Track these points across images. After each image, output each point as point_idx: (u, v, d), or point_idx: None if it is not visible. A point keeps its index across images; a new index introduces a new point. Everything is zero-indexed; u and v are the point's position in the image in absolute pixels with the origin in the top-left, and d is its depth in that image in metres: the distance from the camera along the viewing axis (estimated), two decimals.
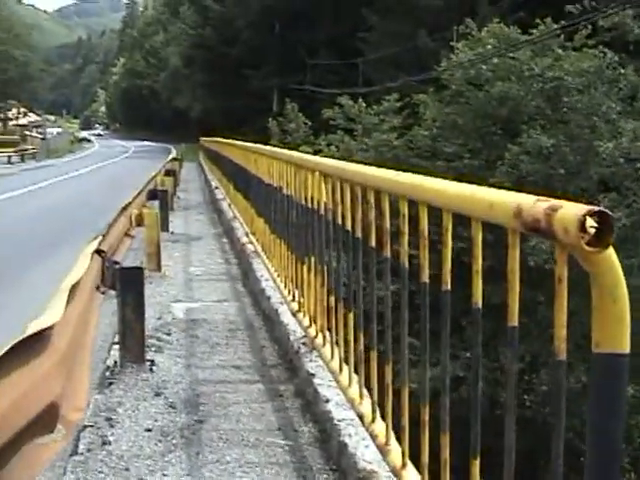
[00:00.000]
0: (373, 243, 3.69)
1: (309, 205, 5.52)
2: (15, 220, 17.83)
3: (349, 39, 38.38)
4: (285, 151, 7.47)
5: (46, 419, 2.94)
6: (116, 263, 5.78)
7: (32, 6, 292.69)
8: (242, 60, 49.77)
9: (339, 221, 4.46)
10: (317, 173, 5.19)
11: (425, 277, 3.03)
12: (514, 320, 2.30)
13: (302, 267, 5.89)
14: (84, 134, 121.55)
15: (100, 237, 5.60)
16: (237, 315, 7.91)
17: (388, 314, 3.47)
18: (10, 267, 11.22)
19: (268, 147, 8.86)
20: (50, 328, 2.91)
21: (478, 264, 2.50)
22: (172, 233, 13.59)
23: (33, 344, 2.76)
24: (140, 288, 5.77)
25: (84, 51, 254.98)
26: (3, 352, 2.40)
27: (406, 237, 3.19)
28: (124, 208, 8.50)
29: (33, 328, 2.78)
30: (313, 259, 5.50)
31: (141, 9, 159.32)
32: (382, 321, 3.53)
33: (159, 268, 9.69)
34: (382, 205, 3.46)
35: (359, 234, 4.00)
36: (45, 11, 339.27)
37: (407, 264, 3.21)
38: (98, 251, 5.34)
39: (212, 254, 11.80)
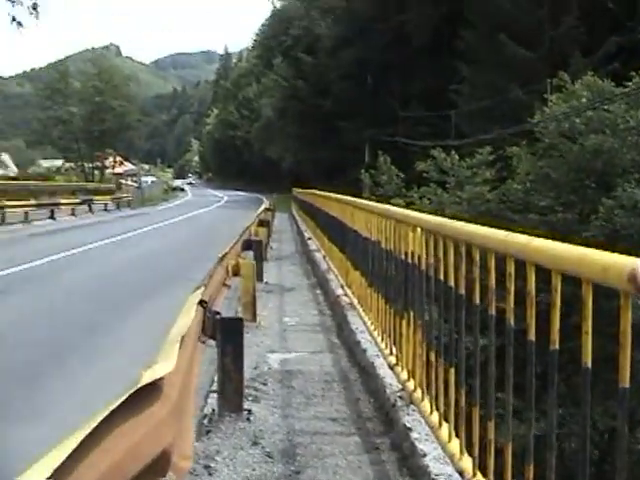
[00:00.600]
0: (477, 300, 3.72)
1: (409, 260, 5.56)
2: (112, 266, 18.23)
3: (441, 91, 38.44)
4: (385, 206, 7.53)
5: (158, 466, 3.02)
6: (217, 313, 5.90)
7: (130, 58, 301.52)
8: (334, 112, 50.25)
9: (441, 277, 4.50)
10: (419, 229, 5.24)
11: (532, 335, 3.05)
12: (625, 381, 2.31)
13: (400, 321, 5.92)
14: (178, 183, 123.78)
15: (202, 287, 5.72)
16: (332, 367, 7.94)
17: (492, 371, 3.49)
18: (109, 313, 11.47)
19: (366, 201, 8.94)
20: (163, 378, 3.00)
21: (588, 325, 2.52)
22: (266, 283, 13.73)
23: (147, 394, 2.85)
24: (240, 338, 5.87)
25: (179, 102, 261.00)
26: (120, 402, 2.49)
27: (512, 296, 3.22)
28: (221, 258, 8.64)
29: (147, 378, 2.87)
30: (412, 313, 5.53)
31: (235, 61, 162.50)
32: (485, 377, 3.54)
33: (254, 318, 9.81)
34: (488, 263, 3.49)
35: (462, 291, 4.03)
36: (142, 63, 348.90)
37: (513, 322, 3.23)
38: (200, 301, 5.46)
39: (306, 305, 11.88)
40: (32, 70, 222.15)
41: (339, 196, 12.44)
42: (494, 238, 3.43)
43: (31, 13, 40.79)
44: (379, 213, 7.29)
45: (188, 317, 4.41)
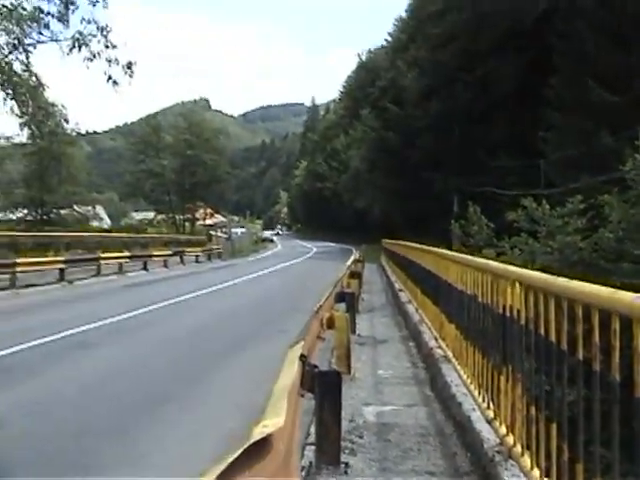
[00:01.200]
0: (580, 356, 3.72)
1: (507, 314, 5.56)
2: (205, 317, 18.49)
3: (528, 139, 38.19)
4: (482, 260, 7.52)
5: None
6: (315, 367, 5.97)
7: (220, 111, 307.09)
8: (421, 162, 50.31)
9: (541, 332, 4.50)
10: (518, 284, 5.24)
11: (639, 393, 3.04)
12: None
13: (498, 375, 5.91)
14: (267, 234, 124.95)
15: (302, 341, 5.81)
16: (427, 420, 7.93)
17: (596, 426, 3.47)
18: (201, 364, 11.64)
19: (462, 255, 8.94)
20: (273, 433, 3.08)
21: None
22: (359, 335, 13.78)
23: (259, 449, 2.93)
24: (338, 392, 5.93)
25: (267, 154, 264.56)
26: (233, 458, 2.57)
27: (617, 352, 3.22)
28: (317, 311, 8.74)
29: (259, 433, 2.95)
30: (510, 367, 5.51)
31: (322, 113, 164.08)
32: (588, 432, 3.53)
33: (349, 370, 9.86)
34: (592, 320, 3.49)
35: (564, 346, 4.03)
36: (231, 116, 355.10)
37: (618, 378, 3.23)
38: (300, 355, 5.54)
39: (399, 357, 11.87)
40: (124, 125, 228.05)
41: (432, 249, 12.45)
42: (599, 296, 3.44)
43: (126, 72, 42.15)
44: (476, 267, 7.29)
45: (291, 372, 4.49)
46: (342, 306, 12.81)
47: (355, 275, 18.08)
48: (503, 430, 5.64)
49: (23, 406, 8.41)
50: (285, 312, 19.72)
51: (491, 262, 6.90)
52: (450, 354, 9.09)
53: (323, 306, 9.51)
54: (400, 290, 20.52)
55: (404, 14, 73.48)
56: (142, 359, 12.14)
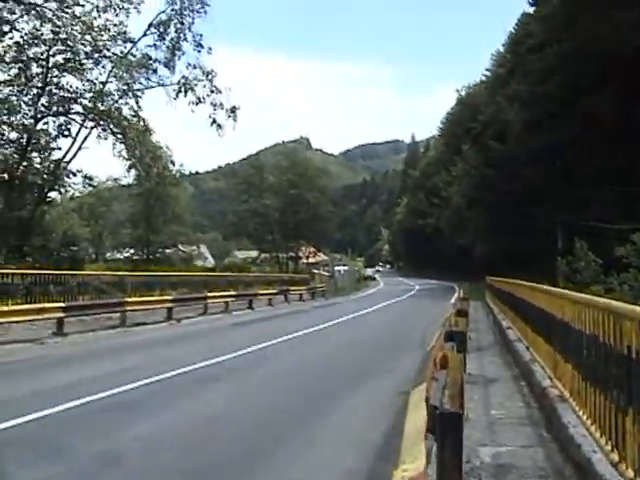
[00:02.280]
0: None
1: (632, 355, 5.48)
2: (312, 356, 18.63)
3: (635, 171, 37.45)
4: (602, 299, 7.41)
5: None
6: (435, 408, 5.98)
7: (320, 150, 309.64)
8: (524, 198, 49.73)
9: None
10: None
11: None
12: None
13: (623, 417, 5.81)
14: (369, 272, 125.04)
15: (424, 383, 5.85)
16: (545, 461, 7.83)
17: None
18: (312, 401, 11.73)
19: (580, 294, 8.82)
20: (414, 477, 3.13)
21: None
22: (469, 374, 13.68)
23: None
24: (459, 433, 5.90)
25: (368, 192, 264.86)
26: None
27: None
28: (430, 351, 8.74)
29: (399, 478, 3.00)
30: (637, 409, 5.42)
31: (422, 150, 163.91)
32: None
33: (462, 410, 9.79)
34: None
35: None
36: (332, 154, 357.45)
37: None
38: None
39: (511, 397, 11.74)
40: (226, 165, 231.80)
41: (544, 287, 12.32)
42: None
43: (230, 116, 43.10)
44: (596, 306, 7.18)
45: (420, 414, 4.54)
46: (453, 345, 12.74)
47: (462, 313, 17.93)
48: (630, 474, 5.54)
49: (142, 442, 8.61)
50: (391, 351, 19.74)
51: (613, 302, 6.79)
52: (566, 394, 8.95)
53: (435, 346, 9.51)
54: (508, 328, 20.27)
55: (501, 48, 73.36)
56: (256, 396, 12.30)
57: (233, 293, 37.60)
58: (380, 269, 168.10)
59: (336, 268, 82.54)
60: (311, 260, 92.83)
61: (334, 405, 11.49)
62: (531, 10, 58.55)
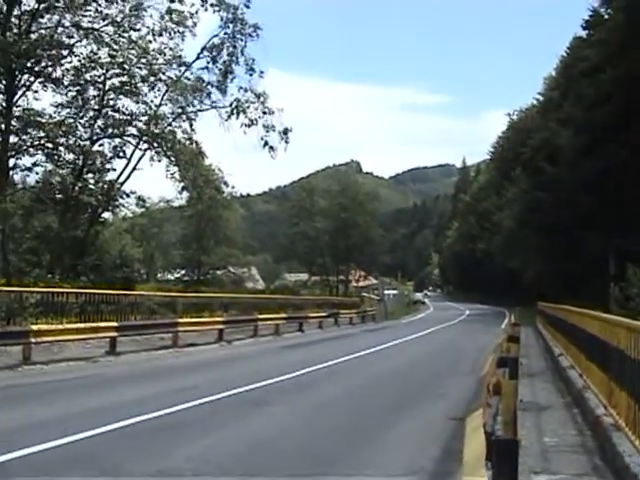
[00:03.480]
0: None
1: None
2: (361, 379, 18.65)
3: None
4: None
5: None
6: (491, 434, 6.00)
7: (371, 174, 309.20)
8: (576, 223, 49.30)
9: None
10: None
11: None
12: None
13: None
14: (418, 296, 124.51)
15: (480, 409, 5.87)
16: None
17: None
18: (363, 425, 11.72)
19: (635, 322, 8.73)
20: None
21: None
22: (521, 401, 13.57)
23: None
24: (514, 459, 5.91)
25: (418, 216, 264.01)
26: None
27: None
28: (483, 377, 8.74)
29: None
30: None
31: (473, 174, 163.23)
32: None
33: (515, 437, 9.74)
34: None
35: None
36: (382, 178, 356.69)
37: None
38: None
39: (564, 424, 11.62)
40: (277, 187, 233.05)
41: (599, 314, 12.21)
42: None
43: (282, 138, 43.40)
44: None
45: (479, 441, 4.58)
46: (505, 371, 12.69)
47: (514, 339, 17.85)
48: None
49: (195, 463, 8.66)
50: (443, 375, 19.69)
51: None
52: (622, 423, 8.86)
53: (488, 372, 9.49)
54: (560, 355, 20.10)
55: (554, 72, 73.05)
56: (307, 419, 12.33)
57: (284, 315, 37.72)
58: (429, 293, 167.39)
59: (386, 292, 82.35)
60: (361, 284, 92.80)
61: (384, 429, 11.47)
62: (584, 34, 58.37)
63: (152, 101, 40.88)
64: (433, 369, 21.74)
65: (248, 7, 42.53)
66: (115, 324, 23.15)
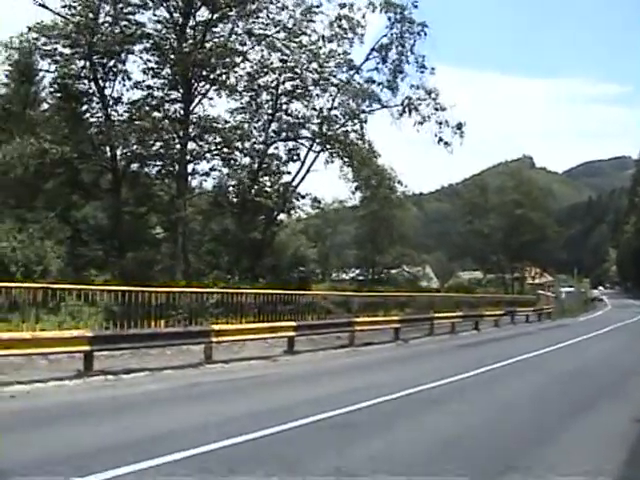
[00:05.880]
0: None
1: None
2: (542, 378, 18.18)
3: None
4: None
5: None
6: None
7: (544, 169, 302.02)
8: None
9: None
10: None
11: None
12: None
13: None
14: (595, 293, 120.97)
15: None
16: None
17: None
18: (548, 423, 11.40)
19: None
20: None
21: None
22: None
23: None
24: None
25: (593, 211, 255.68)
26: None
27: None
28: None
29: None
30: None
31: None
32: None
33: None
34: None
35: None
36: (556, 173, 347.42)
37: None
38: None
39: None
40: (449, 185, 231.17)
41: None
42: None
43: (455, 133, 43.07)
44: None
45: None
46: None
47: None
48: None
49: (375, 461, 8.58)
50: (626, 375, 18.98)
51: None
52: None
53: None
54: None
55: None
56: (489, 418, 12.16)
57: (459, 314, 37.27)
58: (605, 290, 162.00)
59: (561, 289, 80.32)
60: (536, 281, 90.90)
61: (566, 429, 11.09)
62: None
63: (323, 105, 41.55)
64: (615, 369, 20.91)
65: (416, 7, 42.53)
66: (294, 324, 23.45)
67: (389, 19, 42.41)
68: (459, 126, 43.05)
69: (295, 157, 42.11)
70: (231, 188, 42.13)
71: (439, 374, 17.14)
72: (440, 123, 42.76)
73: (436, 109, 42.60)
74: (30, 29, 38.16)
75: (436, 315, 33.77)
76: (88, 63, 38.90)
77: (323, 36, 40.74)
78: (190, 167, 40.19)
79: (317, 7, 40.28)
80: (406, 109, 42.61)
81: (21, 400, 12.75)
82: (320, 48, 40.65)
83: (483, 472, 8.26)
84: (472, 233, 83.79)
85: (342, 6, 41.08)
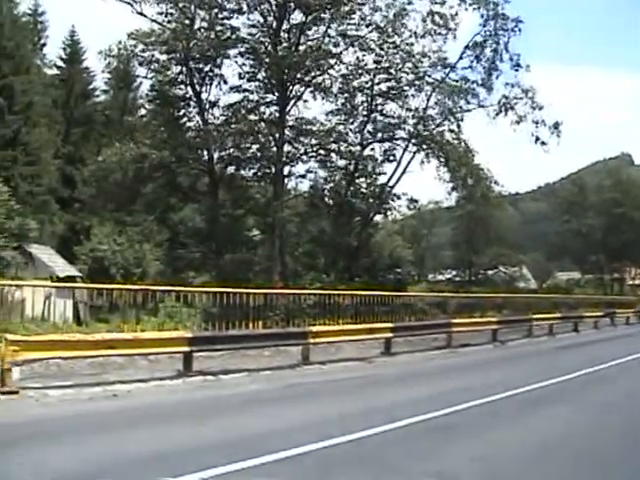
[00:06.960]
0: None
1: None
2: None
3: None
4: None
5: None
6: None
7: None
8: None
9: None
10: None
11: None
12: None
13: None
14: None
15: None
16: None
17: None
18: None
19: None
20: None
21: None
22: None
23: None
24: None
25: None
26: None
27: None
28: None
29: None
30: None
31: None
32: None
33: None
34: None
35: None
36: None
37: None
38: None
39: None
40: (546, 185, 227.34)
41: None
42: None
43: (552, 132, 42.38)
44: None
45: None
46: None
47: None
48: None
49: (479, 464, 8.47)
50: None
51: None
52: None
53: None
54: None
55: None
56: (592, 420, 11.97)
57: (558, 315, 36.65)
58: None
59: None
60: (636, 282, 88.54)
61: None
62: None
63: (419, 105, 41.38)
64: None
65: (508, 1, 42.02)
66: (391, 325, 23.36)
67: (482, 16, 42.05)
68: (556, 125, 42.43)
69: (391, 158, 42.10)
70: (327, 190, 42.34)
71: (539, 376, 16.90)
72: (537, 122, 42.18)
73: (533, 108, 42.02)
74: (129, 36, 39.11)
75: (534, 316, 33.25)
76: (184, 68, 39.74)
77: (415, 33, 40.59)
78: (286, 169, 40.58)
79: (409, 4, 40.18)
80: (502, 108, 42.15)
81: (122, 399, 12.99)
82: (412, 45, 40.49)
83: (588, 475, 8.12)
84: (570, 233, 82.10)
85: (433, 2, 40.88)
